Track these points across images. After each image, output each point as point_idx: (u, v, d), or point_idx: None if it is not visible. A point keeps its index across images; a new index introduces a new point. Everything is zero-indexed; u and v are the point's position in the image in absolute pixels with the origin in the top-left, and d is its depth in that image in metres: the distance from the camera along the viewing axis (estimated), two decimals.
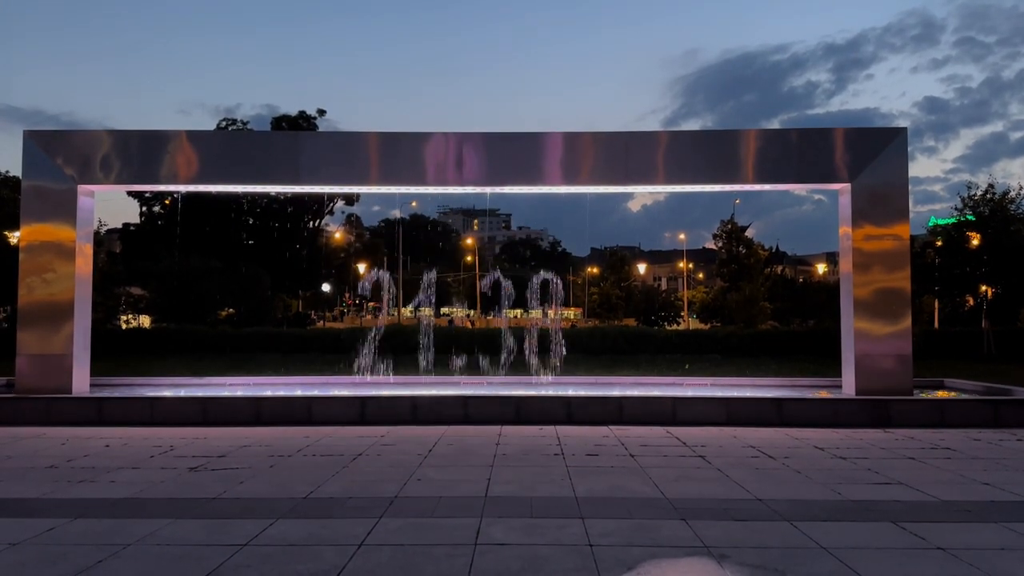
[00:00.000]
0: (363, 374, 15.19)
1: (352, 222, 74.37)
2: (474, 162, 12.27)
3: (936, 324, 38.02)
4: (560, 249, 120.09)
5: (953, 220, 33.62)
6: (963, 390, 13.35)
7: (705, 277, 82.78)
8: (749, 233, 48.44)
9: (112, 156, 12.18)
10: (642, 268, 64.14)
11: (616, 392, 12.30)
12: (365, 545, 4.93)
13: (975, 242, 31.49)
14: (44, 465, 7.74)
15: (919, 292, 32.07)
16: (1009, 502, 6.21)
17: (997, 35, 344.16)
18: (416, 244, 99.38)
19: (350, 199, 56.80)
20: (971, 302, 36.19)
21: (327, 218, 60.93)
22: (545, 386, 14.19)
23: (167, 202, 50.87)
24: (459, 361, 16.26)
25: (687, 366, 28.07)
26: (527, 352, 16.07)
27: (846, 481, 6.96)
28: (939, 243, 34.01)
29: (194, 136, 12.56)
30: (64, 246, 11.98)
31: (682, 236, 68.76)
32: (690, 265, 71.08)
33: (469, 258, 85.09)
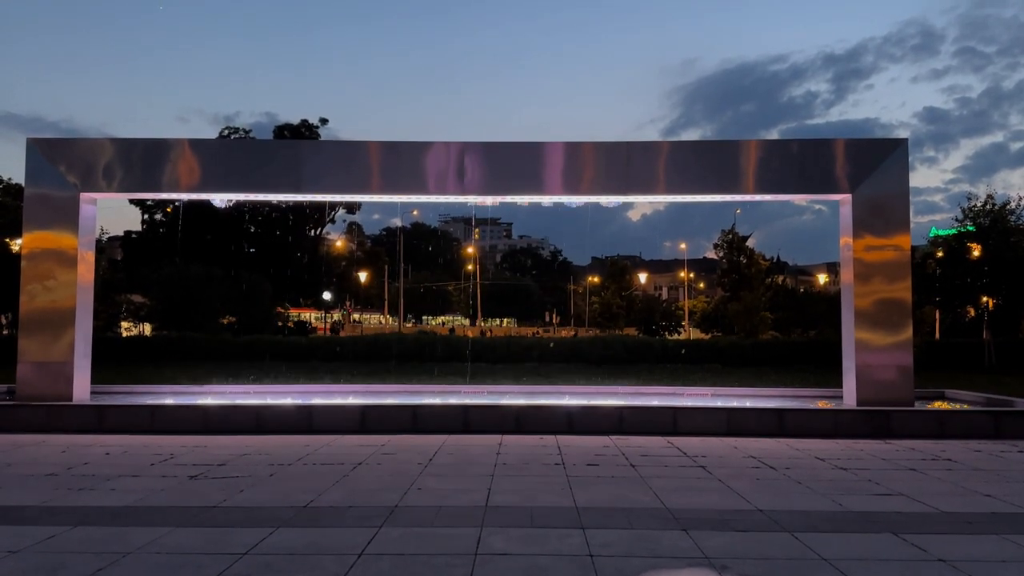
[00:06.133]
0: (364, 382, 15.17)
1: (353, 230, 74.59)
2: (475, 171, 12.29)
3: (937, 335, 37.99)
4: (561, 258, 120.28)
5: (954, 231, 33.71)
6: (964, 401, 13.33)
7: (706, 287, 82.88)
8: (750, 243, 48.57)
9: (115, 164, 12.21)
10: (643, 277, 64.25)
11: (617, 402, 12.29)
12: (365, 554, 4.93)
13: (976, 253, 31.55)
14: (44, 472, 7.73)
15: (920, 303, 32.07)
16: (1011, 514, 6.19)
17: (997, 45, 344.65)
18: (417, 252, 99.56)
19: (351, 207, 56.98)
20: (972, 313, 36.23)
21: (328, 226, 61.13)
22: (546, 395, 14.18)
23: (169, 210, 51.02)
24: (460, 369, 16.26)
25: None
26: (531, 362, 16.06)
27: (847, 492, 6.95)
28: (940, 254, 34.11)
29: (196, 144, 12.59)
30: (66, 253, 11.99)
31: (683, 246, 68.90)
32: (691, 275, 71.13)
33: (470, 267, 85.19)
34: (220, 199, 13.01)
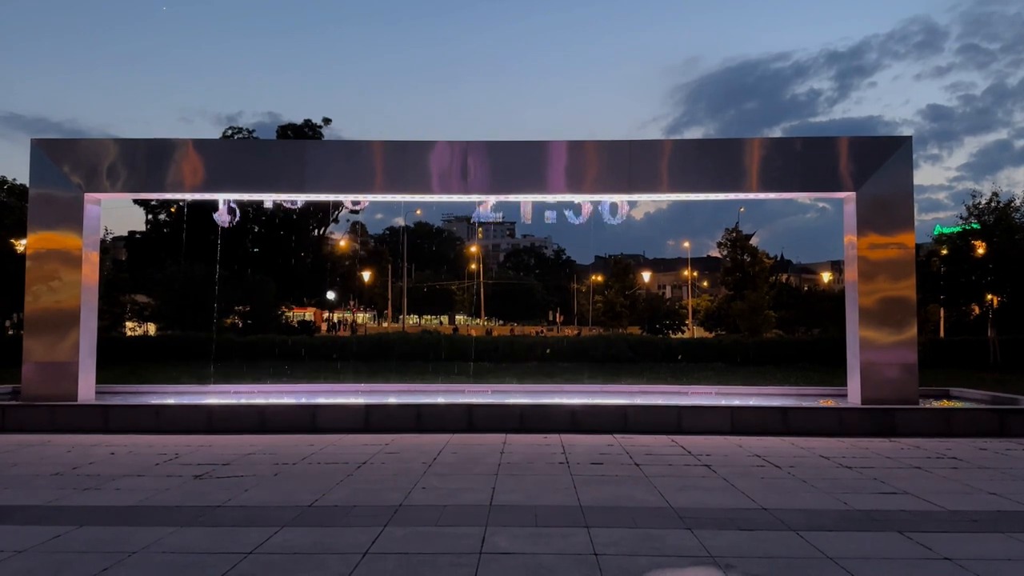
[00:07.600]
0: (368, 381, 15.18)
1: (357, 230, 74.60)
2: (479, 170, 12.29)
3: (942, 333, 37.93)
4: (564, 257, 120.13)
5: (958, 229, 33.63)
6: (969, 399, 13.29)
7: (709, 285, 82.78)
8: (753, 241, 48.46)
9: (119, 164, 12.23)
10: (646, 276, 64.11)
11: (621, 400, 12.29)
12: (370, 554, 4.93)
13: (980, 251, 31.48)
14: (49, 472, 7.76)
15: (924, 301, 32.04)
16: (1016, 512, 6.18)
17: (1001, 42, 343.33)
18: (420, 252, 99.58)
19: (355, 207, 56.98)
20: (977, 311, 36.14)
21: (332, 226, 61.15)
22: (549, 394, 14.18)
23: (173, 210, 51.09)
24: (463, 368, 16.25)
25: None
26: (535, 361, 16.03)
27: (852, 490, 6.94)
28: (944, 252, 34.04)
29: (200, 144, 12.61)
30: (70, 254, 12.02)
31: (686, 244, 68.88)
32: (694, 273, 71.07)
33: (473, 266, 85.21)
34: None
